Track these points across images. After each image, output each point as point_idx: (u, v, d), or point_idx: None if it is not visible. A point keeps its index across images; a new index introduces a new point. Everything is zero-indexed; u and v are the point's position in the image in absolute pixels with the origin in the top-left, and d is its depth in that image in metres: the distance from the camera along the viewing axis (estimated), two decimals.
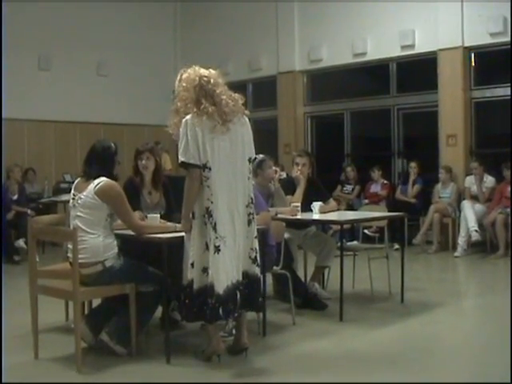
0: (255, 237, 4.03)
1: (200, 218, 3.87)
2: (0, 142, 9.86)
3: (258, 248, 4.04)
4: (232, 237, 3.89)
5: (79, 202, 4.04)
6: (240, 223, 3.94)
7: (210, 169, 3.85)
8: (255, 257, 4.01)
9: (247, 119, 4.08)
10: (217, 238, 3.84)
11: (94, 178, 4.05)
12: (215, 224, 3.84)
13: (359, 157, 11.00)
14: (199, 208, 3.88)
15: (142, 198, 4.92)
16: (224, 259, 3.84)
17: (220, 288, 3.81)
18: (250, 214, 4.00)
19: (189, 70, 4.03)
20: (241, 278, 3.94)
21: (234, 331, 4.38)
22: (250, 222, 3.99)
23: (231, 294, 3.87)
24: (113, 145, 4.26)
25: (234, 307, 3.90)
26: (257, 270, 4.03)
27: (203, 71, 4.03)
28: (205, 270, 3.84)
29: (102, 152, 4.18)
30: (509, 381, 3.57)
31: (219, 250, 3.83)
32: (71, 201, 4.13)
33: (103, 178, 4.05)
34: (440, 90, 9.39)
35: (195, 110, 3.90)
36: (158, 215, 4.46)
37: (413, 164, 9.40)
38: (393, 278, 5.83)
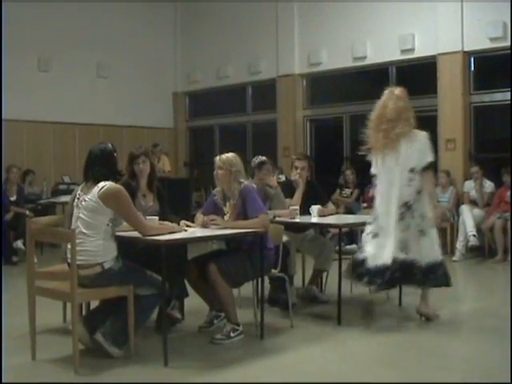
0: (402, 230, 4.84)
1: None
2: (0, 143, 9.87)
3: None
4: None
5: (83, 203, 4.03)
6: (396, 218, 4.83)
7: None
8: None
9: (418, 133, 4.90)
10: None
11: (99, 180, 4.04)
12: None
13: (358, 160, 10.99)
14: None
15: (136, 201, 4.90)
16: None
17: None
18: (401, 214, 4.83)
19: (397, 91, 4.97)
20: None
21: (231, 334, 4.46)
22: (401, 219, 4.83)
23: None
24: (109, 144, 4.25)
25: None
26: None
27: None
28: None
29: (101, 153, 4.16)
30: (509, 381, 3.58)
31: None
32: (76, 200, 4.13)
33: (107, 182, 4.03)
34: (439, 95, 9.41)
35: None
36: (157, 217, 4.47)
37: None
38: None
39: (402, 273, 4.81)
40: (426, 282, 4.90)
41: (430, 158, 4.87)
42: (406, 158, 4.82)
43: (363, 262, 4.90)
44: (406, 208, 4.81)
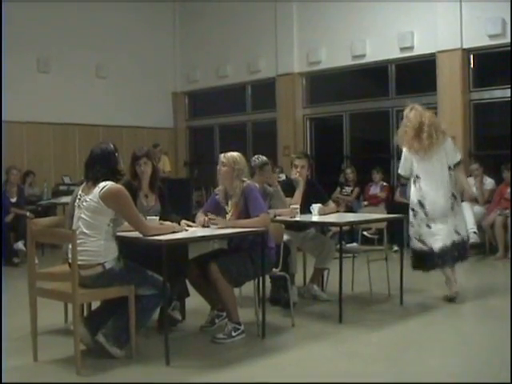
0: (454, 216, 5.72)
1: None
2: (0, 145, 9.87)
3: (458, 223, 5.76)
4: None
5: (84, 204, 4.03)
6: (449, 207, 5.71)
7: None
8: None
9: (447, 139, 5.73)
10: None
11: (100, 180, 4.03)
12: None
13: (358, 159, 11.00)
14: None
15: (138, 200, 4.90)
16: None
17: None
18: (451, 203, 5.69)
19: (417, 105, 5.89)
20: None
21: (233, 333, 4.45)
22: (451, 208, 5.69)
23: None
24: (111, 144, 4.24)
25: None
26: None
27: None
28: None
29: (102, 153, 4.15)
30: (509, 381, 3.58)
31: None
32: (77, 200, 4.13)
33: (108, 182, 4.02)
34: (439, 92, 9.40)
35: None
36: (158, 217, 4.47)
37: None
38: (392, 279, 5.84)
39: (459, 252, 5.70)
40: (468, 255, 5.88)
41: (460, 157, 5.84)
42: (446, 157, 5.69)
43: (431, 251, 5.65)
44: (454, 198, 5.72)
